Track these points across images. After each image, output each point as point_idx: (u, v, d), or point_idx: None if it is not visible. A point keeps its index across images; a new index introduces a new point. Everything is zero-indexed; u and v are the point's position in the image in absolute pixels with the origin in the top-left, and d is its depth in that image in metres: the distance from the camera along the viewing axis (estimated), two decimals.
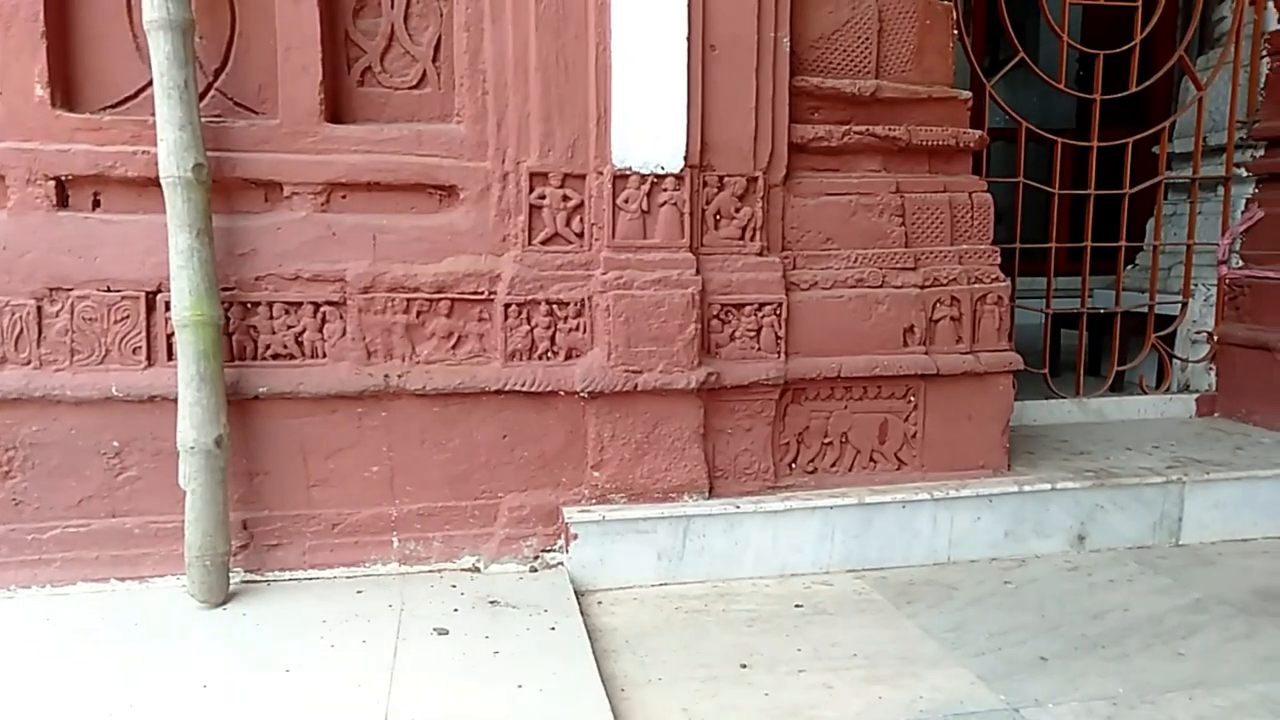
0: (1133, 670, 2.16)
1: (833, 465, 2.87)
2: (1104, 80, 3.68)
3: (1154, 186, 3.91)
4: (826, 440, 2.86)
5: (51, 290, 2.40)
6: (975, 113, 3.41)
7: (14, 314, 2.38)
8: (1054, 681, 2.10)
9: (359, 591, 2.45)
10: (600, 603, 2.53)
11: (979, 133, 2.99)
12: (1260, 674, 2.14)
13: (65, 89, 2.44)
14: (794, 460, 2.84)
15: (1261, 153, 3.87)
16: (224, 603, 2.35)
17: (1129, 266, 4.32)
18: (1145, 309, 3.90)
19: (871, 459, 2.90)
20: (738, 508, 2.69)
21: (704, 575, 2.68)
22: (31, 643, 2.12)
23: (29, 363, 2.39)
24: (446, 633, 2.21)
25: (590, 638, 2.21)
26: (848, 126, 2.83)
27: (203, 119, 2.38)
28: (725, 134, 2.69)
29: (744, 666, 2.16)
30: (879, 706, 1.99)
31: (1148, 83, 3.69)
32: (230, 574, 2.40)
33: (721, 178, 2.71)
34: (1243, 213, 3.90)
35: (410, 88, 2.65)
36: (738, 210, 2.73)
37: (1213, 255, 3.96)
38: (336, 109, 2.59)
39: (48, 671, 1.99)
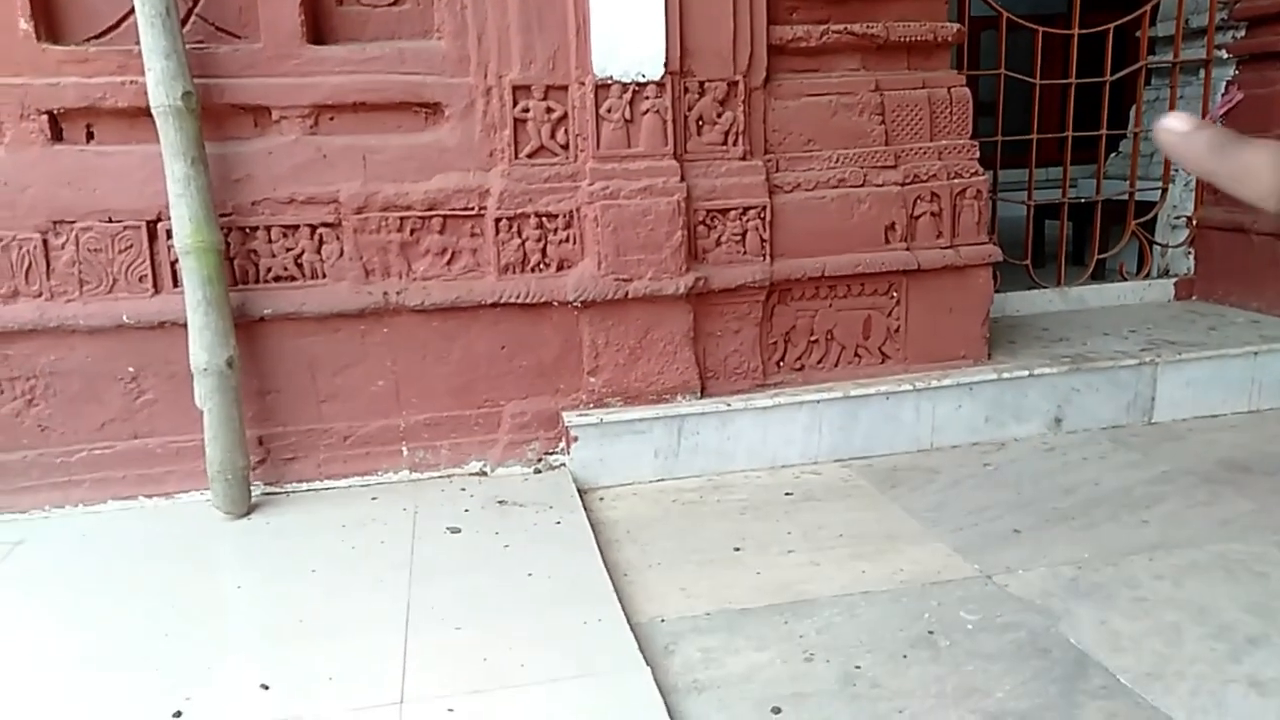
0: (1098, 537, 2.32)
1: (819, 362, 2.99)
2: None
3: (1136, 73, 3.92)
4: (813, 338, 2.97)
5: (55, 223, 2.47)
6: (958, 4, 3.42)
7: (21, 248, 2.45)
8: (1024, 551, 2.27)
9: (374, 498, 2.60)
10: (602, 499, 2.68)
11: (956, 26, 3.00)
12: (1217, 535, 2.31)
13: (49, 22, 2.45)
14: (782, 358, 2.96)
15: (1242, 33, 3.87)
16: (247, 513, 2.50)
17: (1113, 155, 4.36)
18: (1126, 197, 3.96)
19: (856, 354, 3.02)
20: (729, 406, 2.82)
21: (699, 470, 2.82)
22: (71, 556, 2.28)
23: (40, 295, 2.48)
24: (459, 531, 2.37)
25: (594, 530, 2.37)
26: (826, 26, 2.85)
27: (187, 45, 2.41)
28: (704, 38, 2.72)
29: (737, 550, 2.32)
30: (862, 579, 2.15)
31: None
32: (251, 487, 2.54)
33: (702, 83, 2.75)
34: (1222, 95, 3.92)
35: (389, 4, 2.66)
36: (719, 115, 2.77)
37: None
38: (318, 30, 2.61)
39: (91, 581, 2.14)
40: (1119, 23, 3.76)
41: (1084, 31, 3.70)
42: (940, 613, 1.99)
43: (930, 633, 1.91)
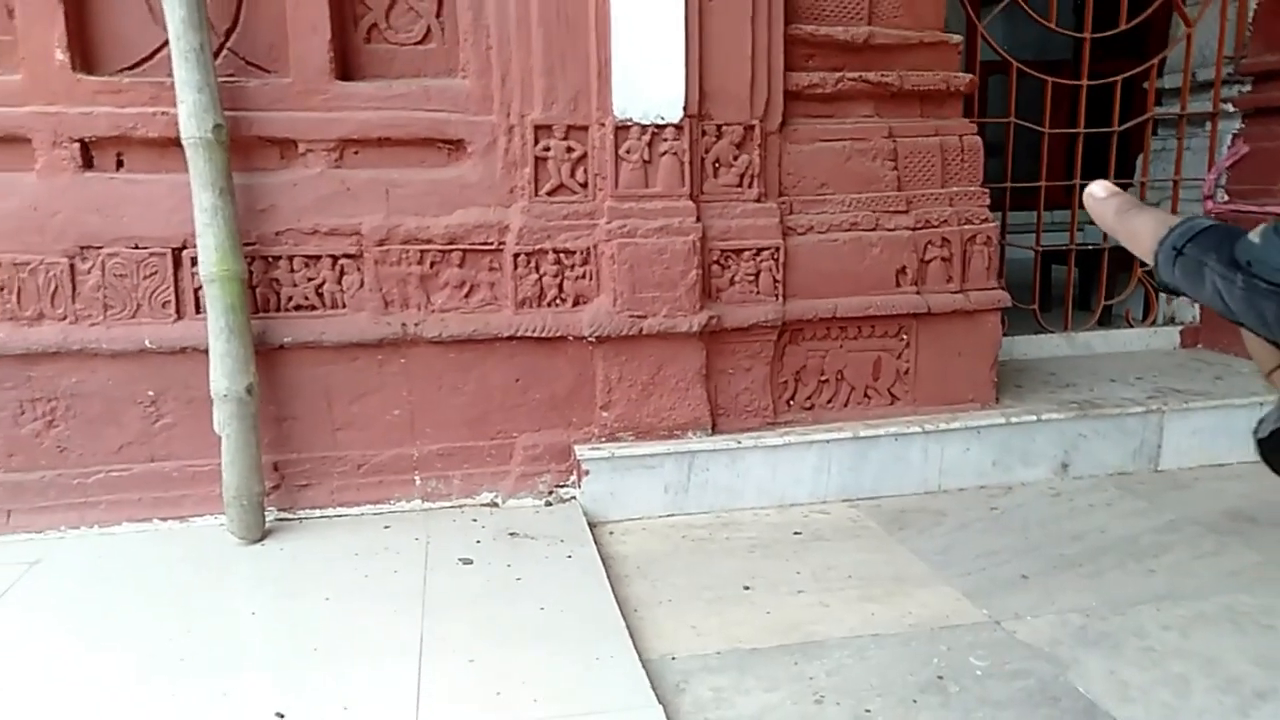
0: (1106, 585, 2.34)
1: (829, 401, 3.02)
2: (1104, 14, 3.74)
3: (1144, 123, 3.98)
4: (823, 378, 3.00)
5: (82, 248, 2.51)
6: (968, 51, 3.49)
7: (48, 272, 2.50)
8: (1033, 597, 2.28)
9: (386, 527, 2.61)
10: (612, 533, 2.70)
11: (969, 76, 3.06)
12: (1224, 586, 2.32)
13: (84, 53, 2.51)
14: (792, 397, 2.99)
15: (1249, 88, 3.94)
16: (261, 539, 2.52)
17: None
18: None
19: (866, 395, 3.05)
20: (739, 443, 2.85)
21: (708, 506, 2.84)
22: (87, 578, 2.29)
23: (65, 318, 2.52)
24: (471, 562, 2.38)
25: (604, 564, 2.38)
26: (841, 73, 2.91)
27: (218, 79, 2.46)
28: (723, 83, 2.78)
29: (747, 588, 2.34)
30: (871, 622, 2.16)
31: (1135, 21, 3.75)
32: (265, 512, 2.56)
33: (720, 126, 2.80)
34: (1229, 148, 3.98)
35: (415, 43, 2.73)
36: (736, 158, 2.83)
37: (1199, 190, 4.06)
38: (345, 66, 2.67)
39: (107, 602, 2.16)
40: (1128, 75, 3.83)
41: (1093, 83, 3.77)
42: (950, 657, 2.00)
43: (940, 678, 1.92)
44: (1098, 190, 0.56)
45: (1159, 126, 4.26)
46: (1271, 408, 0.41)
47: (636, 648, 1.97)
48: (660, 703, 1.76)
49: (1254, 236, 0.43)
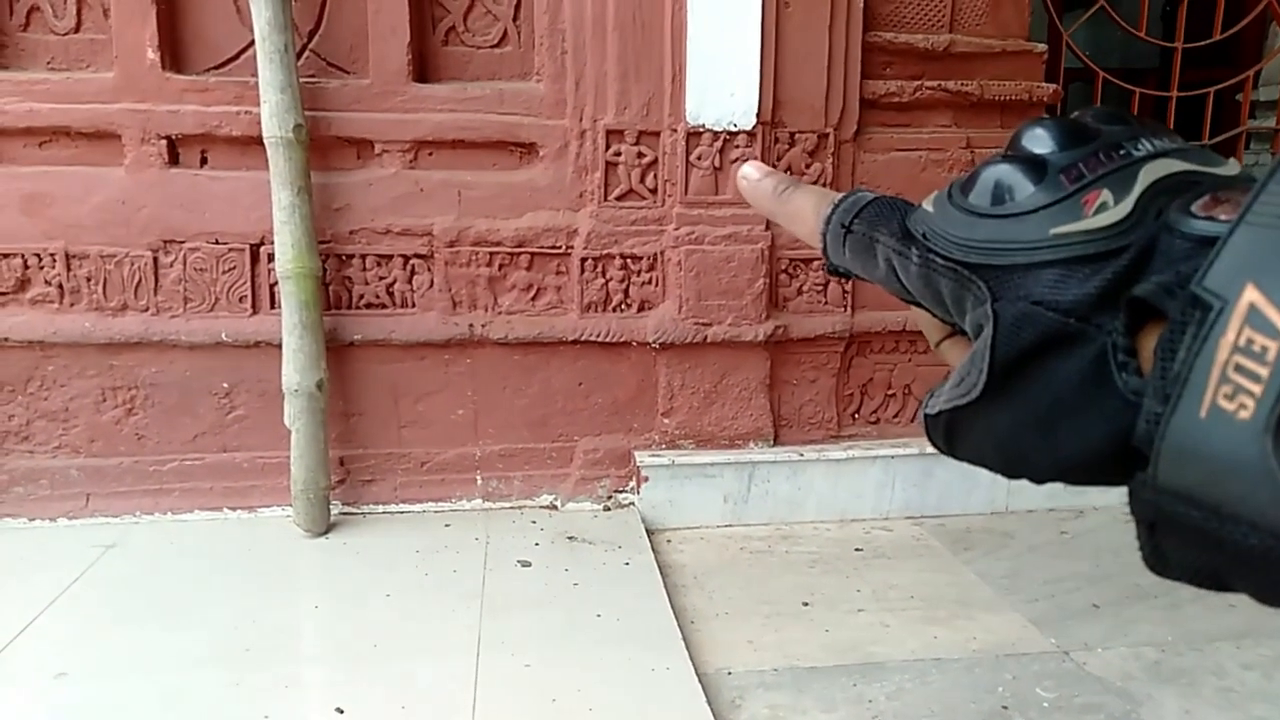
0: (1183, 619, 2.25)
1: (895, 416, 2.97)
2: (1194, 21, 3.60)
3: (1236, 137, 3.83)
4: (890, 392, 2.95)
5: (166, 243, 2.59)
6: (1051, 59, 3.39)
7: (133, 264, 2.58)
8: (1104, 627, 2.20)
9: (447, 525, 2.64)
10: (670, 541, 2.69)
11: (1053, 86, 2.98)
12: None
13: (173, 52, 2.59)
14: (857, 411, 2.94)
15: None
16: (325, 532, 2.56)
17: None
18: None
19: None
20: (801, 455, 2.81)
21: (768, 518, 2.81)
22: (160, 563, 2.36)
23: (147, 309, 2.60)
24: (529, 565, 2.39)
25: (661, 573, 2.37)
26: (920, 82, 2.85)
27: (300, 79, 2.51)
28: (798, 91, 2.74)
29: (805, 604, 2.31)
30: (934, 646, 2.11)
31: (1230, 31, 3.60)
32: (330, 506, 2.61)
33: (793, 134, 2.77)
34: None
35: (492, 46, 2.75)
36: (808, 166, 2.79)
37: None
38: (423, 68, 2.70)
39: (177, 588, 2.22)
40: (1220, 86, 3.68)
41: (1183, 94, 3.63)
42: (1015, 687, 1.94)
43: (1004, 708, 1.87)
44: (751, 172, 0.49)
45: (1252, 140, 4.08)
46: (947, 382, 0.36)
47: (692, 660, 1.95)
48: (715, 719, 1.74)
49: (927, 205, 0.37)
